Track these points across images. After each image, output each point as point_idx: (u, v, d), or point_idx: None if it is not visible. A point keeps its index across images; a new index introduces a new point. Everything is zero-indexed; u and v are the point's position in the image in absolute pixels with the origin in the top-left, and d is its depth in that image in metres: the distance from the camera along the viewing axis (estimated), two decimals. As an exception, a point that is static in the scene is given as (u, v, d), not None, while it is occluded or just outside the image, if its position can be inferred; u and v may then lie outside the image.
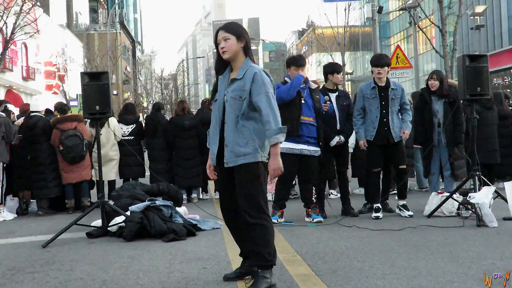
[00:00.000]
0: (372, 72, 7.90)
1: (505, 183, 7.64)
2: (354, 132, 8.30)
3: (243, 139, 4.28)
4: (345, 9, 38.08)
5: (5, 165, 9.50)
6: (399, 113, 7.82)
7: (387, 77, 7.82)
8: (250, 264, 4.54)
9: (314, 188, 7.71)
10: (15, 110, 11.32)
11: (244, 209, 4.29)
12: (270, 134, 4.19)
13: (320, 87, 8.24)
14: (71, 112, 10.36)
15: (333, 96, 8.08)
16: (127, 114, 10.96)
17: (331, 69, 8.22)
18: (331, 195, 10.26)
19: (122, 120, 10.85)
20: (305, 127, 7.46)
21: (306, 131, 7.45)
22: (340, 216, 7.91)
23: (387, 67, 7.76)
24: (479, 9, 28.89)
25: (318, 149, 7.58)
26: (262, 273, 4.26)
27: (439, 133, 8.38)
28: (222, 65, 4.54)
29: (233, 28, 4.46)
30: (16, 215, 9.71)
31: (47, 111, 10.85)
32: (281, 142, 4.22)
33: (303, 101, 7.46)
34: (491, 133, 10.16)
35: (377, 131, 7.70)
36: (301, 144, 7.46)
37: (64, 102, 15.47)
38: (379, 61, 7.77)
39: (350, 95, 9.22)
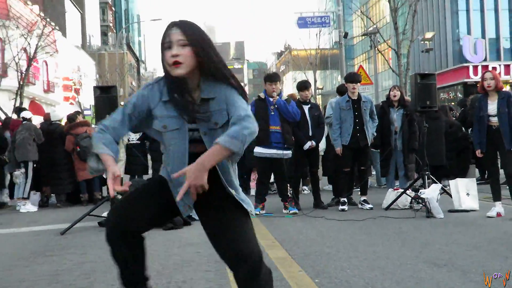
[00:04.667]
0: (343, 88, 7.91)
1: (450, 181, 7.71)
2: (323, 137, 8.33)
3: (231, 167, 2.54)
4: (316, 34, 38.22)
5: (34, 165, 9.46)
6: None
7: (358, 92, 7.88)
8: None
9: (289, 185, 7.74)
10: (36, 118, 11.23)
11: None
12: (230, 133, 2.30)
13: (296, 100, 8.31)
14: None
15: (306, 107, 8.13)
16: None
17: (298, 86, 8.41)
18: (304, 191, 10.28)
19: None
20: (273, 135, 7.47)
21: (273, 138, 7.46)
22: (312, 208, 7.94)
23: (359, 83, 7.87)
24: (429, 35, 29.07)
25: (287, 152, 7.55)
26: None
27: (396, 139, 8.42)
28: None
29: (195, 32, 2.45)
30: (38, 207, 9.63)
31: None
32: (230, 151, 2.26)
33: (272, 113, 7.49)
34: (438, 139, 10.18)
35: (351, 136, 7.72)
36: (271, 149, 7.48)
37: (79, 111, 15.37)
38: (353, 78, 7.84)
39: (320, 107, 9.28)
